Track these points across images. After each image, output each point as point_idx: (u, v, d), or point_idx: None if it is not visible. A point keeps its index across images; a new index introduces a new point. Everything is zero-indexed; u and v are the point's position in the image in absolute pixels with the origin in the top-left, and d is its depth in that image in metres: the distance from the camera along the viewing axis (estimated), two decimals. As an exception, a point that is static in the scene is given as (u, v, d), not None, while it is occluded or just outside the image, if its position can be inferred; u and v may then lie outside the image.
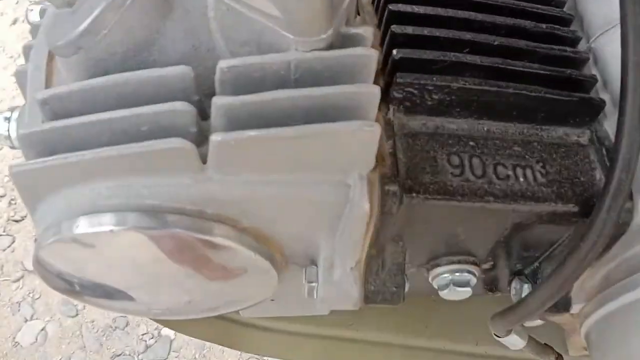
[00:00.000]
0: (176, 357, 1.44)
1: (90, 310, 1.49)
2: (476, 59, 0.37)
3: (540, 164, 0.38)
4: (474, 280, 0.41)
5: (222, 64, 0.32)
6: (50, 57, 0.39)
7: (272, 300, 0.52)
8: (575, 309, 0.45)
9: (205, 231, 0.35)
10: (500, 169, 0.37)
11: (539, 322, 0.54)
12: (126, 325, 1.46)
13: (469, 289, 0.41)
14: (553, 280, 0.37)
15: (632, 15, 0.33)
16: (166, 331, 1.45)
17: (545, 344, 0.59)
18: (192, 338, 1.41)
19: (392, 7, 0.38)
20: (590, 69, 0.41)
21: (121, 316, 1.48)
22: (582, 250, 0.35)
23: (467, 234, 0.38)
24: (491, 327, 0.46)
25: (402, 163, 0.36)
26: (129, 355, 1.43)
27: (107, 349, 1.44)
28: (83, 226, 0.34)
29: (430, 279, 0.42)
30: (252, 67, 0.32)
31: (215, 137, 0.32)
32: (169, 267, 0.39)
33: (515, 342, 0.52)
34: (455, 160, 0.37)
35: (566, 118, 0.39)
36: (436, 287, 0.42)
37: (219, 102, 0.32)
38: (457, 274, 0.41)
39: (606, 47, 0.41)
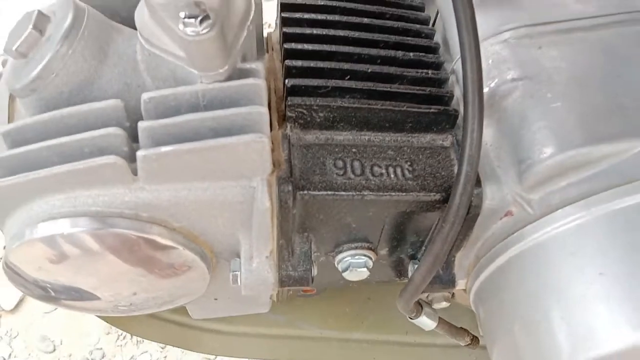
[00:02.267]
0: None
1: (68, 345, 1.53)
2: (352, 84, 0.46)
3: (409, 164, 0.47)
4: (370, 262, 0.50)
5: (144, 96, 0.42)
6: (12, 99, 0.47)
7: (216, 299, 0.61)
8: (460, 284, 0.54)
9: (140, 230, 0.43)
10: (375, 168, 0.46)
11: (444, 304, 0.63)
12: (102, 357, 1.51)
13: (365, 269, 0.50)
14: (427, 256, 0.46)
15: (467, 44, 0.43)
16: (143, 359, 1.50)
17: (461, 327, 0.67)
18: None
19: (286, 45, 0.48)
20: (454, 86, 0.51)
21: (97, 349, 1.53)
22: (445, 229, 0.44)
23: (357, 223, 0.47)
24: (398, 306, 0.55)
25: (296, 168, 0.45)
26: (106, 385, 1.48)
27: (85, 381, 1.49)
28: (41, 230, 0.42)
29: (336, 264, 0.51)
30: (168, 97, 0.41)
31: (139, 153, 0.41)
32: (122, 267, 0.47)
33: (426, 323, 0.60)
34: (340, 163, 0.46)
35: (430, 127, 0.48)
36: (340, 270, 0.50)
37: (142, 125, 0.41)
38: (356, 257, 0.50)
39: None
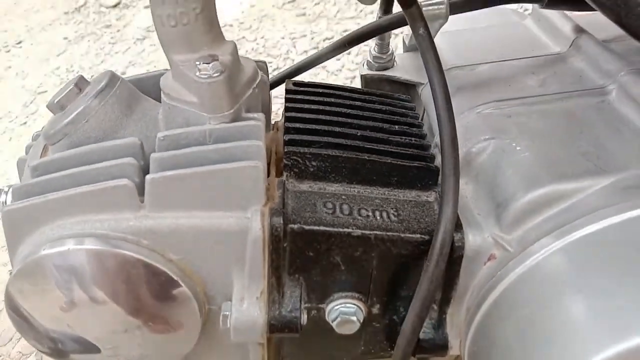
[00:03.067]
0: None
1: None
2: (343, 141, 0.52)
3: (394, 210, 0.50)
4: (360, 314, 0.50)
5: (160, 135, 0.48)
6: (45, 150, 0.54)
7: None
8: (454, 348, 0.53)
9: (139, 253, 0.46)
10: (363, 211, 0.50)
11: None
12: None
13: (356, 319, 0.50)
14: (415, 301, 0.47)
15: (442, 106, 0.50)
16: None
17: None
18: None
19: (287, 114, 0.55)
20: (437, 155, 0.56)
21: None
22: (430, 268, 0.46)
23: (346, 265, 0.49)
24: None
25: (289, 206, 0.48)
26: None
27: None
28: (49, 248, 0.46)
29: (326, 316, 0.51)
30: (180, 135, 0.48)
31: (148, 177, 0.46)
32: (119, 312, 0.49)
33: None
34: (330, 205, 0.50)
35: (415, 183, 0.52)
36: (330, 320, 0.51)
37: (154, 156, 0.47)
38: (347, 305, 0.50)
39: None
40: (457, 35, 0.73)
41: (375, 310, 0.53)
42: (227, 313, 0.49)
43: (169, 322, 0.51)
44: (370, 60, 0.70)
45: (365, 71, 0.71)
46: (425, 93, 0.65)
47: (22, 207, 0.46)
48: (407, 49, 0.73)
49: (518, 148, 0.50)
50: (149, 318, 0.50)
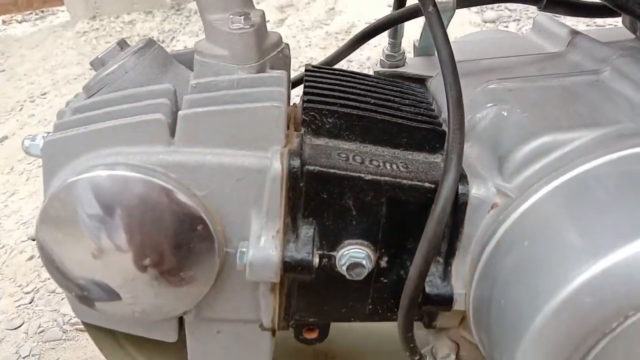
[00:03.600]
0: None
1: None
2: (357, 104, 0.57)
3: (403, 164, 0.54)
4: (369, 261, 0.53)
5: (192, 82, 0.53)
6: (84, 103, 0.59)
7: (218, 332, 0.61)
8: (459, 301, 0.55)
9: (166, 182, 0.50)
10: (374, 162, 0.53)
11: (451, 356, 0.61)
12: None
13: (364, 264, 0.52)
14: (422, 244, 0.50)
15: (450, 79, 0.55)
16: None
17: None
18: None
19: (307, 78, 0.60)
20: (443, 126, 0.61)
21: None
22: (437, 211, 0.49)
23: (357, 209, 0.52)
24: (398, 325, 0.54)
25: (305, 152, 0.52)
26: None
27: None
28: (83, 175, 0.49)
29: (337, 261, 0.53)
30: (210, 83, 0.53)
31: (180, 113, 0.50)
32: (137, 261, 0.52)
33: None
34: (343, 155, 0.53)
35: (423, 145, 0.56)
36: (340, 266, 0.53)
37: (186, 97, 0.51)
38: (356, 250, 0.53)
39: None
40: (464, 43, 0.79)
41: (384, 263, 0.56)
42: (245, 249, 0.52)
43: (186, 265, 0.53)
44: (383, 59, 0.76)
45: (379, 68, 0.77)
46: (434, 84, 0.70)
47: (61, 138, 0.51)
48: (417, 53, 0.79)
49: (518, 111, 0.54)
50: (167, 264, 0.53)
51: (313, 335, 0.63)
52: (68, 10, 4.67)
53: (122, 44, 0.58)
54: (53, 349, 1.69)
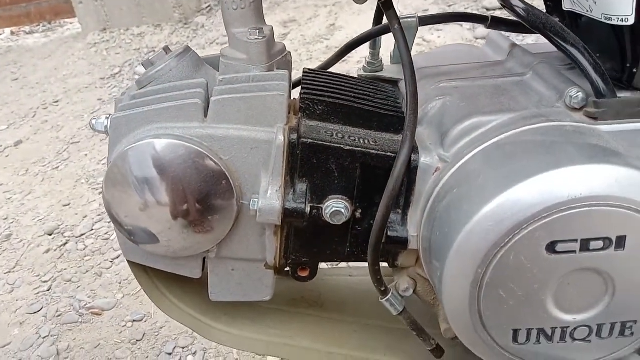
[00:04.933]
0: None
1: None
2: (340, 96, 0.76)
3: (373, 140, 0.73)
4: (347, 211, 0.72)
5: (219, 77, 0.73)
6: (136, 93, 0.79)
7: (233, 270, 0.80)
8: (412, 242, 0.74)
9: (201, 148, 0.69)
10: (352, 137, 0.73)
11: (409, 290, 0.80)
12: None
13: (344, 211, 0.71)
14: (384, 197, 0.69)
15: (409, 82, 0.74)
16: None
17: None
18: None
19: (304, 81, 0.80)
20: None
21: None
22: (396, 170, 0.69)
23: (338, 171, 0.71)
24: (369, 261, 0.73)
25: (301, 129, 0.72)
26: None
27: None
28: (140, 142, 0.69)
29: (324, 212, 0.72)
30: (233, 77, 0.72)
31: (213, 98, 0.70)
32: (174, 213, 0.71)
33: (393, 305, 0.77)
34: (329, 133, 0.73)
35: (389, 127, 0.76)
36: (325, 214, 0.72)
37: (216, 88, 0.71)
38: (338, 202, 0.72)
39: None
40: (432, 53, 0.99)
41: (358, 214, 0.75)
42: (256, 200, 0.71)
43: (212, 212, 0.72)
44: (366, 65, 0.96)
45: (362, 72, 0.96)
46: (402, 85, 0.90)
47: (123, 116, 0.70)
48: (393, 61, 0.99)
49: (457, 101, 0.74)
50: (198, 211, 0.72)
51: (305, 273, 0.81)
52: (80, 22, 4.88)
53: (167, 50, 0.77)
54: (70, 330, 1.87)
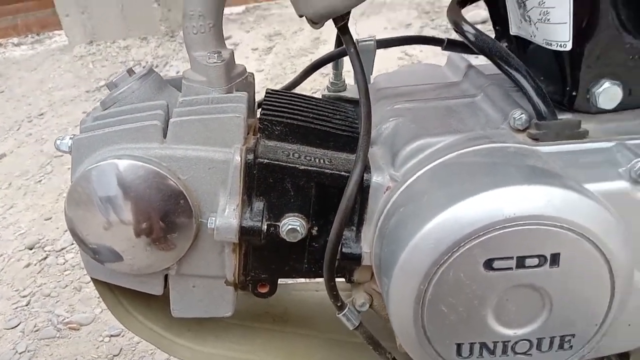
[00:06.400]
0: None
1: None
2: (299, 116, 0.79)
3: (329, 160, 0.76)
4: (303, 228, 0.74)
5: (180, 98, 0.75)
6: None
7: (194, 287, 0.82)
8: (365, 258, 0.76)
9: (159, 168, 0.72)
10: (307, 157, 0.75)
11: (365, 305, 0.82)
12: None
13: (299, 229, 0.74)
14: (338, 215, 0.72)
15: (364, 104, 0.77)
16: None
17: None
18: None
19: (264, 102, 0.83)
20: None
21: None
22: (348, 190, 0.71)
23: (294, 190, 0.73)
24: (325, 276, 0.76)
25: (258, 149, 0.74)
26: None
27: None
28: (100, 163, 0.71)
29: (280, 230, 0.75)
30: (193, 99, 0.75)
31: (172, 120, 0.72)
32: (135, 232, 0.73)
33: (349, 319, 0.79)
34: (286, 152, 0.75)
35: (345, 147, 0.78)
36: (282, 232, 0.74)
37: (176, 110, 0.74)
38: (294, 220, 0.74)
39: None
40: (394, 73, 1.03)
41: (314, 232, 0.77)
42: (214, 218, 0.73)
43: (171, 230, 0.74)
44: (329, 85, 0.99)
45: (326, 92, 0.99)
46: (364, 104, 0.93)
47: (85, 137, 0.73)
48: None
49: (409, 123, 0.77)
50: (158, 230, 0.74)
51: (265, 289, 0.83)
52: (66, 34, 4.89)
53: (130, 72, 0.80)
54: (47, 345, 1.87)
